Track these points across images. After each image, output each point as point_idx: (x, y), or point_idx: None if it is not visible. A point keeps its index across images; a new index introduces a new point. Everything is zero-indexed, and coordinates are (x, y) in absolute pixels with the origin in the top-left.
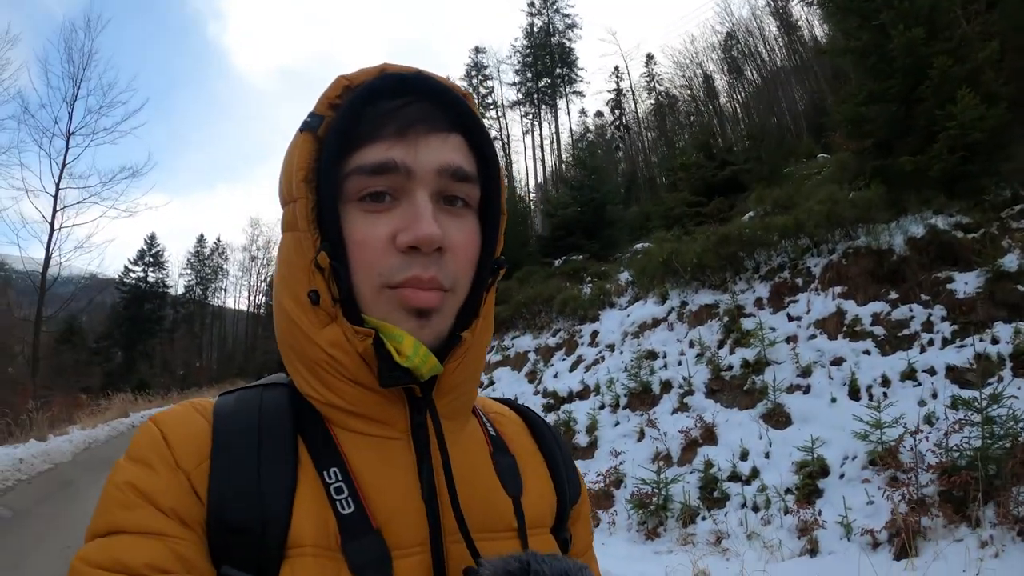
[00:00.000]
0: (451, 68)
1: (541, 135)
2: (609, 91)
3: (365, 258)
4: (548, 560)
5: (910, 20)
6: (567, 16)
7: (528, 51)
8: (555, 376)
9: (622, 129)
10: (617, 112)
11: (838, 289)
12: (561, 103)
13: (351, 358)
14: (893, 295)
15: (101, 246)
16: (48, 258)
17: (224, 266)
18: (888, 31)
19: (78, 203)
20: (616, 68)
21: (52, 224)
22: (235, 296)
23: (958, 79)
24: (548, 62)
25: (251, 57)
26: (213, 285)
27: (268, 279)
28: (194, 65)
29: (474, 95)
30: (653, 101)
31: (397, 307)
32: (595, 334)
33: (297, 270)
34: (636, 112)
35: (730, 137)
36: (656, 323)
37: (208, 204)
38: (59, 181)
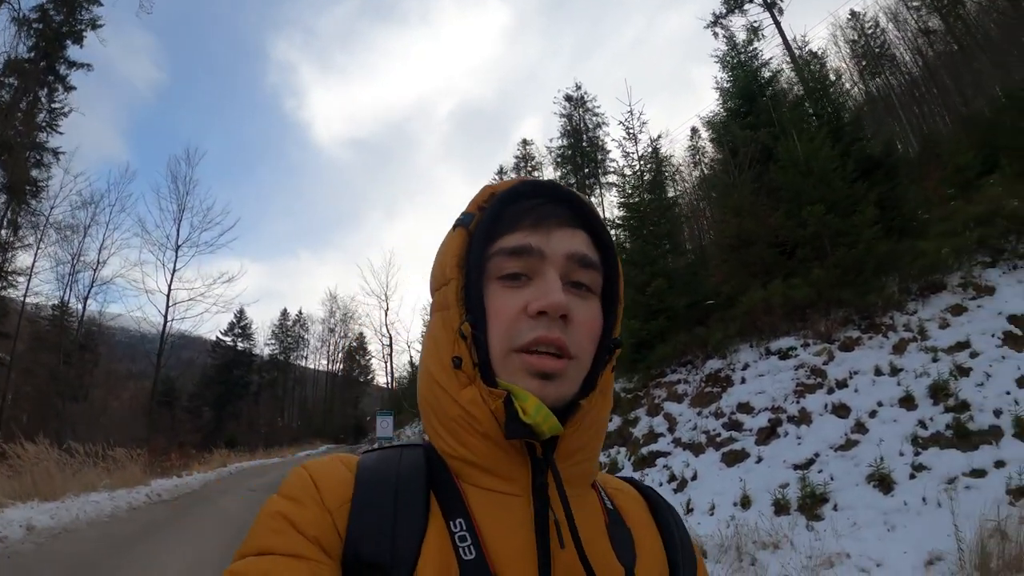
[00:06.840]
0: (503, 154)
1: None
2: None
3: (500, 325)
4: None
5: (652, 243)
6: (596, 115)
7: (563, 149)
8: None
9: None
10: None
11: None
12: (596, 192)
13: (484, 414)
14: None
15: (203, 336)
16: (163, 344)
17: (305, 336)
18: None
19: (188, 300)
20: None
21: (165, 317)
22: (315, 362)
23: (657, 290)
24: (580, 159)
25: (325, 129)
26: (295, 353)
27: (345, 348)
28: (276, 138)
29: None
30: (699, 174)
31: (522, 369)
32: None
33: (443, 341)
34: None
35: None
36: None
37: (290, 269)
38: (171, 283)
